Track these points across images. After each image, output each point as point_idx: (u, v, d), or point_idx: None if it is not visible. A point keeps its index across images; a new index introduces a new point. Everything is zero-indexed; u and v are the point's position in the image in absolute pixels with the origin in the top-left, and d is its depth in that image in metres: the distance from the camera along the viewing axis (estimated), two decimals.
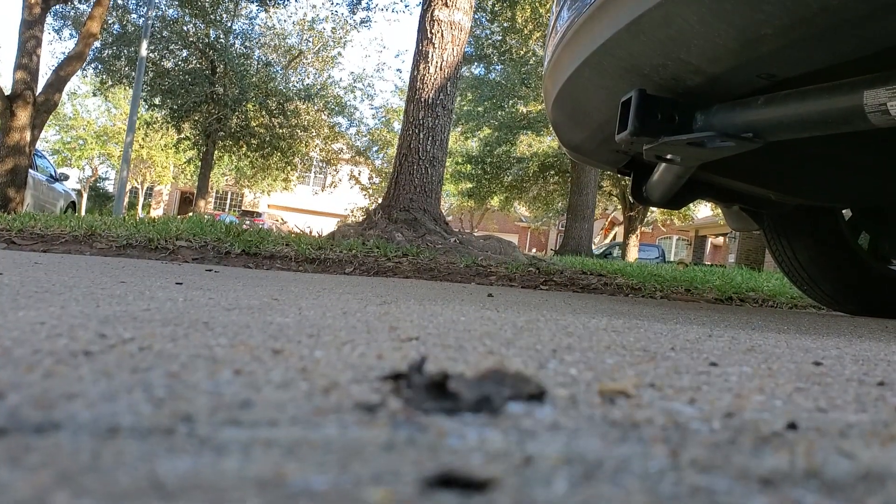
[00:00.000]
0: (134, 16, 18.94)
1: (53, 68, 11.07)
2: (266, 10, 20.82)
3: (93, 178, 37.33)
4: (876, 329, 2.18)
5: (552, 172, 23.34)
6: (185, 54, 20.19)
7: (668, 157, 1.98)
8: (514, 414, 0.60)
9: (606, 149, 2.48)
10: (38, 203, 10.80)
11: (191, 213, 11.98)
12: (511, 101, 20.76)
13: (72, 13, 17.83)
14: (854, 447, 0.57)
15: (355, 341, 1.00)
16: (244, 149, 21.91)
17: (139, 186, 35.53)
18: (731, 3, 1.43)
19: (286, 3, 19.79)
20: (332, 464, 0.44)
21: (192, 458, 0.43)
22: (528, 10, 17.08)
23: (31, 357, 0.71)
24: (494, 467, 0.45)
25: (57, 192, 12.06)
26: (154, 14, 18.19)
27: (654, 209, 24.38)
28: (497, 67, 20.60)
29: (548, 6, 16.11)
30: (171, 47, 19.75)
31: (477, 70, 21.22)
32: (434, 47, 6.41)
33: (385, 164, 31.26)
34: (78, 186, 34.91)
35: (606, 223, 35.53)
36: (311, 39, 24.67)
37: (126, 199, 17.03)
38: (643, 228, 26.82)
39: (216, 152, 21.80)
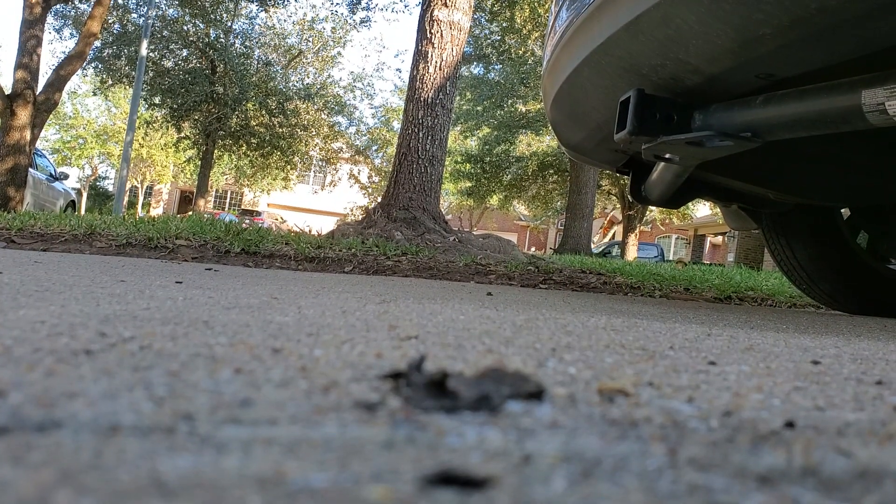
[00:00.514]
0: (134, 15, 18.94)
1: (54, 67, 11.07)
2: (266, 10, 20.81)
3: (93, 177, 37.31)
4: (874, 328, 2.19)
5: (551, 171, 23.34)
6: (185, 54, 20.18)
7: (667, 156, 1.98)
8: (513, 412, 0.60)
9: (605, 148, 2.48)
10: (37, 202, 10.80)
11: (190, 212, 11.98)
12: (510, 101, 20.77)
13: (72, 13, 17.82)
14: (852, 446, 0.57)
15: (355, 340, 1.00)
16: (244, 148, 21.91)
17: (139, 185, 35.52)
18: (729, 3, 1.43)
19: (286, 2, 19.79)
20: (332, 462, 0.44)
21: (192, 457, 0.43)
22: (527, 10, 17.07)
23: (31, 356, 0.71)
24: (493, 466, 0.45)
25: (57, 191, 12.06)
26: (154, 14, 18.19)
27: (652, 208, 24.38)
28: (496, 67, 20.61)
29: (546, 6, 16.10)
30: (172, 47, 19.75)
31: (476, 69, 21.23)
32: (433, 47, 6.41)
33: (384, 164, 31.27)
34: (78, 185, 34.90)
35: (605, 222, 35.53)
36: (310, 39, 24.66)
37: (126, 198, 17.03)
38: (642, 227, 26.82)
39: (216, 151, 21.80)
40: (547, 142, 22.56)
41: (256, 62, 21.31)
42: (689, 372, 0.91)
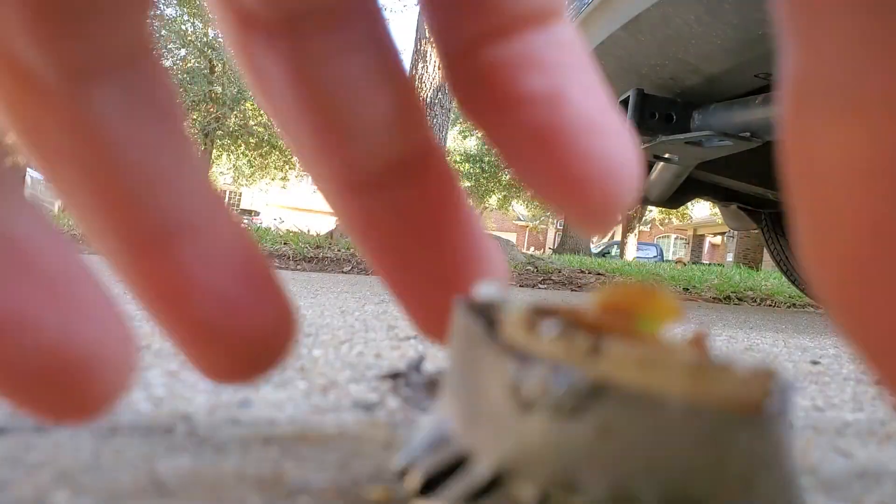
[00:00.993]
0: None
1: None
2: None
3: None
4: None
5: None
6: (183, 53, 20.17)
7: (666, 156, 1.98)
8: None
9: None
10: (36, 202, 10.81)
11: None
12: None
13: None
14: (850, 446, 0.57)
15: (353, 340, 1.00)
16: (242, 148, 21.90)
17: None
18: (729, 2, 1.44)
19: None
20: (331, 462, 0.44)
21: (191, 457, 0.43)
22: None
23: None
24: None
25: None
26: (152, 13, 18.16)
27: (652, 208, 24.40)
28: None
29: None
30: (170, 46, 19.74)
31: None
32: (432, 46, 6.41)
33: None
34: None
35: None
36: None
37: None
38: (641, 227, 26.84)
39: (214, 151, 21.79)
40: None
41: None
42: None
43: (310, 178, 0.33)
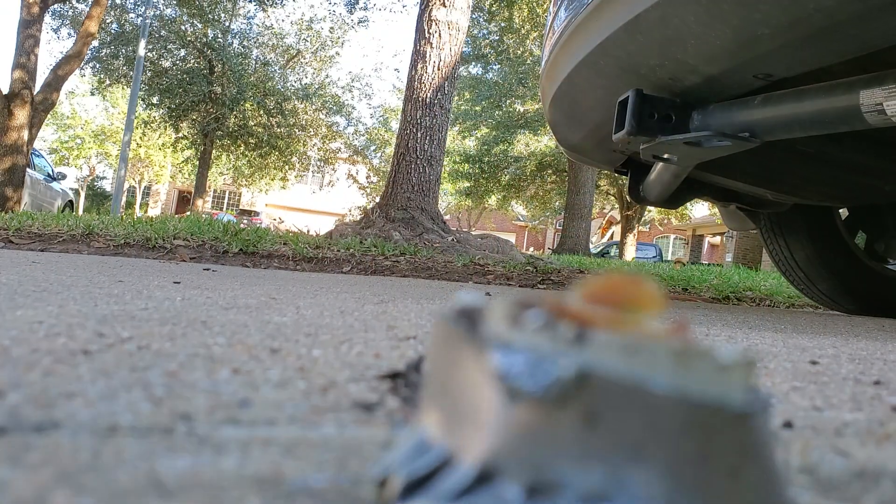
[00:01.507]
0: (132, 15, 18.92)
1: (51, 67, 11.04)
2: (264, 10, 20.78)
3: (90, 177, 37.26)
4: (872, 328, 2.19)
5: (549, 171, 23.34)
6: (182, 53, 20.16)
7: (665, 156, 1.98)
8: None
9: (604, 148, 2.48)
10: (35, 202, 10.79)
11: (188, 213, 11.96)
12: (508, 101, 20.76)
13: (70, 13, 17.80)
14: (849, 446, 0.57)
15: (353, 340, 1.00)
16: (242, 148, 21.90)
17: (137, 185, 35.49)
18: (728, 3, 1.44)
19: (284, 2, 19.79)
20: (331, 462, 0.44)
21: (191, 457, 0.43)
22: (526, 10, 17.08)
23: (29, 356, 0.71)
24: None
25: (54, 191, 12.05)
26: (152, 13, 18.18)
27: (651, 208, 24.40)
28: (494, 67, 20.61)
29: (545, 6, 16.11)
30: (169, 46, 19.73)
31: (474, 69, 21.22)
32: (432, 47, 6.41)
33: (383, 164, 31.24)
34: (75, 185, 34.85)
35: (604, 222, 35.55)
36: (308, 39, 24.63)
37: (123, 198, 17.02)
38: (640, 227, 26.84)
39: (214, 151, 21.78)
40: (545, 142, 22.55)
41: (254, 62, 21.30)
42: None
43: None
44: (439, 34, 6.41)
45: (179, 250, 3.99)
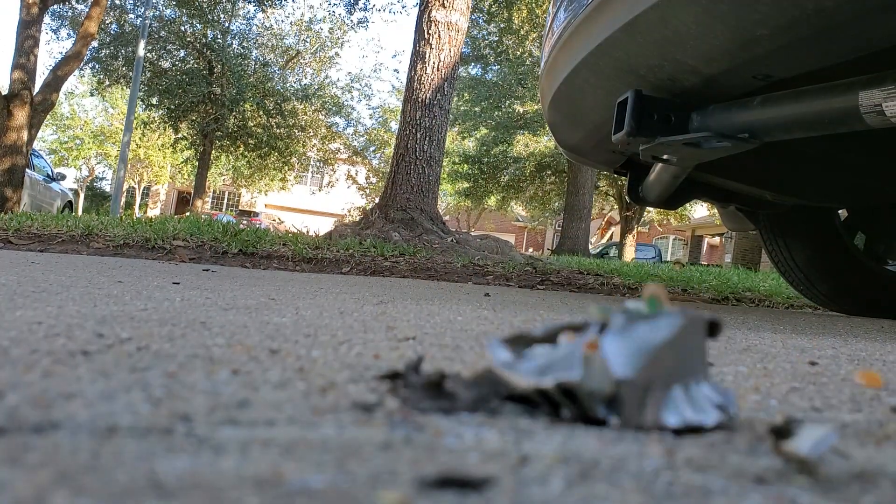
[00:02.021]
0: (131, 16, 18.92)
1: (51, 68, 11.04)
2: (263, 11, 20.78)
3: (90, 178, 37.26)
4: (871, 329, 2.19)
5: (549, 172, 23.35)
6: (182, 54, 20.17)
7: (665, 157, 1.98)
8: (511, 413, 0.60)
9: (603, 149, 2.48)
10: (35, 203, 10.78)
11: (188, 213, 11.96)
12: (508, 102, 20.77)
13: (69, 13, 17.80)
14: (849, 447, 0.58)
15: (352, 341, 1.00)
16: (241, 149, 21.90)
17: (136, 186, 35.49)
18: (727, 4, 1.44)
19: (283, 3, 19.78)
20: (330, 463, 0.44)
21: (190, 458, 0.43)
22: (525, 11, 17.09)
23: (29, 357, 0.71)
24: (491, 466, 0.45)
25: (54, 192, 12.04)
26: (151, 14, 18.16)
27: (650, 209, 24.41)
28: (494, 68, 20.61)
29: (544, 7, 16.11)
30: (169, 47, 19.73)
31: (474, 70, 21.23)
32: (431, 48, 6.41)
33: (382, 164, 31.25)
34: (75, 186, 34.83)
35: (603, 223, 35.56)
36: (308, 40, 24.64)
37: (123, 199, 17.01)
38: (640, 228, 26.84)
39: (213, 152, 21.78)
40: (545, 143, 22.55)
41: (254, 63, 21.31)
42: None
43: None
44: (439, 35, 6.41)
45: (179, 251, 3.98)
